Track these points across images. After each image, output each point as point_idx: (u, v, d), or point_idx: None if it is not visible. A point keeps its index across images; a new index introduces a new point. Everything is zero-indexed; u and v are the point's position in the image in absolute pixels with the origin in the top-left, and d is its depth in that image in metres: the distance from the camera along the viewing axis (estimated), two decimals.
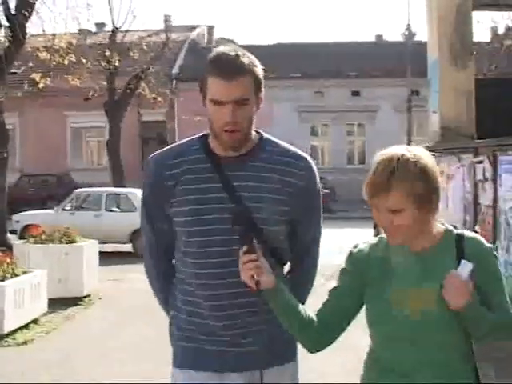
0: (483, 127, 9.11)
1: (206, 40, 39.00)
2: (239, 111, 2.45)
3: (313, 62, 31.59)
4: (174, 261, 2.70)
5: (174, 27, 33.70)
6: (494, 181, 6.67)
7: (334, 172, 30.82)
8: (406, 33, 31.85)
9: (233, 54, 2.46)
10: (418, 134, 26.61)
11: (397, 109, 30.85)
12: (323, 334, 2.39)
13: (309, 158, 2.71)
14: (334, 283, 2.43)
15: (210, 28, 40.47)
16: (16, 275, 8.11)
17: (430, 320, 2.22)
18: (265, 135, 2.66)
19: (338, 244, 10.47)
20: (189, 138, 2.68)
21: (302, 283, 2.71)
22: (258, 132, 2.65)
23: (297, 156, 2.65)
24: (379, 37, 38.79)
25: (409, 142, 22.31)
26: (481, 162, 7.07)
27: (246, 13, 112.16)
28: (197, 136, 2.66)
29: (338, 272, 2.44)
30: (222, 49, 2.52)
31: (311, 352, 2.45)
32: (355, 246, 2.45)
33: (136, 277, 12.27)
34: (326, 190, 28.60)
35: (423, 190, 2.20)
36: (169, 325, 2.70)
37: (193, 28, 37.37)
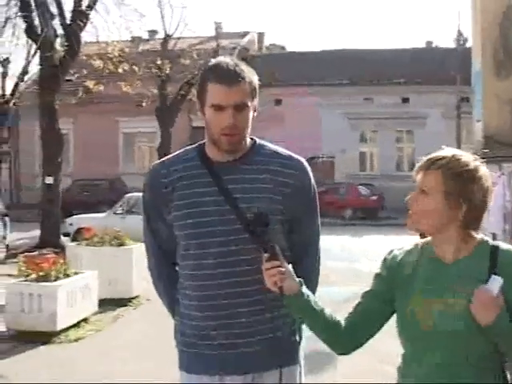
0: None
1: (256, 47, 39.31)
2: (238, 115, 2.54)
3: (362, 69, 31.67)
4: (177, 267, 2.76)
5: (224, 34, 34.19)
6: None
7: (383, 178, 30.84)
8: (457, 39, 31.75)
9: (231, 63, 2.57)
10: (467, 141, 26.43)
11: (446, 116, 30.67)
12: (351, 336, 2.40)
13: (302, 160, 2.76)
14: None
15: (261, 35, 40.82)
16: (68, 276, 8.45)
17: (454, 333, 2.19)
18: (258, 140, 2.74)
19: (380, 251, 10.57)
20: (186, 148, 2.78)
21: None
22: (251, 138, 2.72)
23: (290, 157, 2.72)
24: (429, 43, 38.73)
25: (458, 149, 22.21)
26: None
27: (296, 20, 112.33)
28: (194, 145, 2.76)
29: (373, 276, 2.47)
30: (220, 59, 2.64)
31: (338, 354, 2.51)
32: (390, 252, 2.46)
33: None
34: (374, 197, 28.75)
35: (455, 190, 2.21)
36: (174, 330, 2.75)
37: (243, 35, 37.74)
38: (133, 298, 10.29)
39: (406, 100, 32.38)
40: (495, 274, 2.17)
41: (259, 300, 2.54)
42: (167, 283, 2.76)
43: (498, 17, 10.04)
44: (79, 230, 15.73)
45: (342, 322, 2.39)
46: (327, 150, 32.16)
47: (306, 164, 2.75)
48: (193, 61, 26.50)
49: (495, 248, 2.26)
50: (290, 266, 2.35)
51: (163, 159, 2.79)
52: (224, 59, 2.61)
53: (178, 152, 2.78)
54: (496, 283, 2.13)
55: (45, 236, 15.67)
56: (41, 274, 8.07)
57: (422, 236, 2.43)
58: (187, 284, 2.65)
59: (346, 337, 2.39)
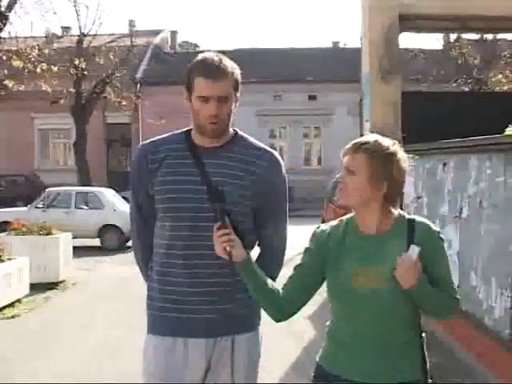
0: (410, 134, 10.49)
1: (169, 44, 39.44)
2: (221, 106, 2.74)
3: (271, 67, 32.85)
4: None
5: (138, 32, 34.33)
6: None
7: (292, 172, 32.11)
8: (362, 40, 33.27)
9: (216, 58, 2.76)
10: None
11: (351, 113, 32.12)
12: (287, 306, 2.61)
13: (274, 153, 2.95)
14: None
15: (174, 33, 40.83)
16: (3, 261, 9.37)
17: (380, 296, 2.40)
18: (239, 132, 2.95)
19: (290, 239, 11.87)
20: (174, 132, 3.00)
21: (268, 267, 2.82)
22: (234, 130, 2.94)
23: (263, 150, 2.92)
24: (336, 43, 39.94)
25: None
26: None
27: (210, 18, 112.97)
28: (181, 130, 2.96)
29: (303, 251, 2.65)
30: (207, 54, 2.82)
31: (276, 321, 2.68)
32: (318, 227, 2.66)
33: (104, 266, 13.71)
34: None
35: (378, 170, 2.43)
36: (146, 296, 2.92)
37: (156, 33, 37.77)
38: (60, 282, 11.27)
39: (313, 97, 33.51)
40: (413, 243, 2.41)
41: (220, 272, 2.74)
42: (148, 252, 2.94)
43: (384, 30, 11.33)
44: (1, 224, 16.37)
45: (281, 293, 2.60)
46: None
47: (278, 157, 2.95)
48: (108, 58, 26.98)
49: (412, 221, 2.51)
50: (237, 238, 2.56)
51: (152, 139, 2.99)
52: (210, 55, 2.80)
53: (166, 134, 3.00)
54: (415, 251, 2.36)
55: None
56: None
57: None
58: (162, 252, 2.84)
59: (283, 305, 2.60)
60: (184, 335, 2.77)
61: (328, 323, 2.62)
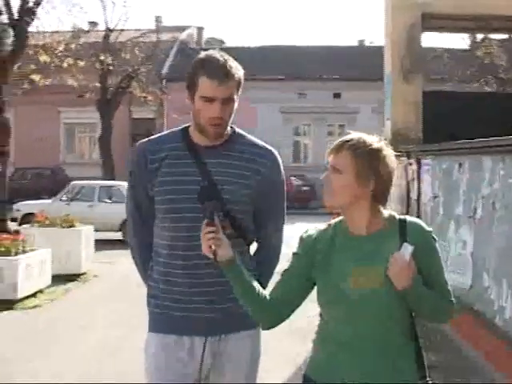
0: (429, 133, 10.53)
1: (195, 41, 39.72)
2: (225, 108, 2.72)
3: (296, 65, 32.91)
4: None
5: (164, 28, 34.70)
6: (418, 180, 8.17)
7: (315, 170, 32.14)
8: None
9: (222, 59, 2.73)
10: None
11: (375, 111, 32.09)
12: (274, 312, 2.50)
13: (274, 151, 2.95)
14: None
15: (200, 29, 41.24)
16: (26, 252, 9.54)
17: (372, 298, 2.32)
18: (237, 130, 2.92)
19: None
20: (172, 129, 2.97)
21: (265, 264, 2.91)
22: (231, 127, 2.89)
23: (264, 148, 2.92)
24: (361, 41, 39.98)
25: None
26: (411, 163, 8.56)
27: (235, 15, 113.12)
28: (179, 128, 2.93)
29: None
30: (211, 53, 2.79)
31: (263, 328, 2.61)
32: (305, 231, 2.56)
33: (125, 260, 13.79)
34: (306, 188, 30.12)
35: (364, 168, 2.35)
36: (147, 294, 2.92)
37: (183, 29, 38.11)
38: (81, 274, 11.48)
39: (337, 95, 33.55)
40: (406, 241, 2.33)
41: (221, 271, 2.62)
42: (147, 253, 2.92)
43: (406, 30, 11.38)
44: (26, 216, 16.67)
45: (268, 298, 2.50)
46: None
47: (277, 155, 2.96)
48: (133, 54, 27.25)
49: (403, 221, 2.43)
50: (224, 238, 2.46)
51: (150, 138, 2.97)
52: (215, 54, 2.77)
53: (164, 133, 3.01)
54: (407, 250, 2.28)
55: None
56: (2, 249, 9.17)
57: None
58: (163, 253, 2.83)
59: (270, 312, 2.50)
60: (186, 333, 2.78)
61: (317, 329, 2.52)
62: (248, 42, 75.81)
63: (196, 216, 2.65)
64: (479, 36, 28.03)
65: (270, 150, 2.93)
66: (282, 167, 2.95)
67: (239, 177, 2.78)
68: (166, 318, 2.81)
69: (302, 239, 2.54)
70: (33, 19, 17.34)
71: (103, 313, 8.84)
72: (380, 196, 2.40)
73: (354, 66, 32.64)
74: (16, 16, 17.12)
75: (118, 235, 16.97)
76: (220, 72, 2.69)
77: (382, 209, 2.43)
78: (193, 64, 2.78)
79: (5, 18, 17.23)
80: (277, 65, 32.99)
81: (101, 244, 14.39)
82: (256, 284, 2.48)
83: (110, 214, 16.80)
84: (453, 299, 2.44)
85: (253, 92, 34.60)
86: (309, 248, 2.48)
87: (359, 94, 32.22)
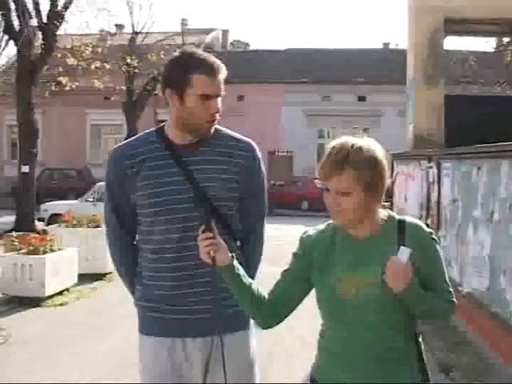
0: (452, 138, 10.61)
1: (220, 43, 39.98)
2: (218, 103, 2.72)
3: (321, 68, 33.08)
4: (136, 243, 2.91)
5: (190, 30, 34.89)
6: (439, 183, 8.26)
7: None
8: None
9: (208, 55, 2.74)
10: None
11: (400, 114, 32.04)
12: (273, 312, 2.49)
13: (252, 143, 2.93)
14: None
15: (225, 32, 41.41)
16: (53, 251, 9.79)
17: (371, 302, 2.28)
18: (215, 126, 2.85)
19: None
20: (146, 131, 2.92)
21: (249, 258, 2.89)
22: None
23: (242, 140, 2.90)
24: (386, 44, 39.99)
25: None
26: (431, 167, 8.66)
27: (260, 18, 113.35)
28: (152, 129, 2.89)
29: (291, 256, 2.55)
30: (193, 50, 2.77)
31: (262, 328, 2.57)
32: (305, 232, 2.54)
33: None
34: None
35: (371, 177, 2.27)
36: (134, 298, 2.92)
37: (208, 32, 38.33)
38: (107, 274, 11.61)
39: (362, 98, 33.65)
40: (403, 245, 2.27)
41: (213, 271, 2.59)
42: (129, 260, 2.89)
43: (429, 35, 11.48)
44: (53, 216, 16.98)
45: (267, 299, 2.49)
46: (287, 145, 33.46)
47: (255, 146, 2.93)
48: (159, 57, 27.48)
49: (402, 222, 2.39)
50: (223, 241, 2.43)
51: (125, 142, 2.92)
52: (196, 51, 2.76)
53: (137, 135, 2.93)
54: (405, 253, 2.23)
55: (21, 220, 16.73)
56: (31, 248, 9.45)
57: None
58: (151, 257, 2.79)
59: (269, 312, 2.49)
60: (180, 335, 2.76)
61: (319, 332, 2.50)
62: (273, 45, 76.22)
63: (185, 216, 2.68)
64: (505, 39, 27.91)
65: (249, 142, 2.92)
66: (261, 159, 2.94)
67: (221, 172, 2.76)
68: (157, 320, 2.80)
69: (301, 239, 2.53)
70: (61, 23, 17.66)
71: (127, 312, 9.01)
72: (381, 197, 2.36)
73: (378, 68, 32.73)
74: (45, 20, 17.50)
75: None
76: (213, 67, 2.69)
77: (381, 210, 2.40)
78: (181, 63, 2.71)
79: (34, 22, 17.61)
80: (302, 67, 33.15)
81: None
82: (254, 285, 2.47)
83: None
84: (454, 300, 2.39)
85: (278, 94, 34.97)
86: (307, 249, 2.47)
87: (384, 96, 32.29)
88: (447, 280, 2.39)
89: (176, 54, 2.79)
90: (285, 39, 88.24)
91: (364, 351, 2.30)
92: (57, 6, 17.57)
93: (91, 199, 17.81)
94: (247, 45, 47.95)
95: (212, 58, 2.72)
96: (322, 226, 2.51)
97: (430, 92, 11.32)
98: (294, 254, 2.52)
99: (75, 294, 10.03)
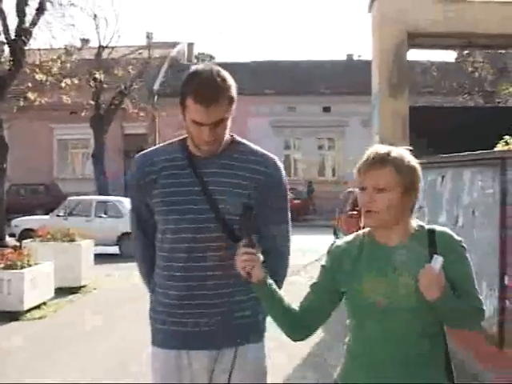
0: (417, 148, 10.96)
1: (186, 56, 40.13)
2: (217, 130, 2.63)
3: (286, 79, 33.38)
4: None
5: (156, 44, 34.95)
6: None
7: (307, 183, 32.48)
8: None
9: (210, 77, 2.60)
10: None
11: (365, 124, 32.41)
12: (304, 325, 2.53)
13: (276, 159, 2.86)
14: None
15: (190, 45, 41.63)
16: (30, 266, 9.91)
17: (403, 309, 2.30)
18: (236, 138, 2.85)
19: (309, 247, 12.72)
20: (170, 141, 2.91)
21: (275, 269, 2.72)
22: (230, 135, 2.82)
23: (265, 156, 2.83)
24: (350, 56, 40.26)
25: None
26: None
27: (225, 30, 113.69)
28: (177, 139, 2.87)
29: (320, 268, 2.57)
30: (200, 68, 2.67)
31: (294, 340, 2.59)
32: (333, 244, 2.56)
33: (123, 273, 14.16)
34: (298, 201, 30.42)
35: (410, 183, 2.32)
36: (149, 308, 2.91)
37: (174, 45, 38.36)
38: (82, 287, 11.84)
39: (327, 109, 33.95)
40: (436, 253, 2.27)
41: (221, 284, 2.66)
42: (150, 264, 2.88)
43: (393, 45, 11.78)
44: (24, 231, 17.02)
45: (297, 312, 2.51)
46: None
47: (278, 163, 2.86)
48: (125, 71, 27.54)
49: (432, 231, 2.40)
50: (261, 257, 2.44)
51: (148, 150, 2.93)
52: (204, 70, 2.65)
53: (162, 144, 2.94)
54: (438, 261, 2.24)
55: None
56: (9, 263, 9.57)
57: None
58: (163, 265, 2.79)
59: (300, 325, 2.52)
60: (187, 347, 2.73)
61: (347, 340, 2.52)
62: (238, 58, 76.72)
63: (197, 227, 2.67)
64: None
65: (272, 158, 2.84)
66: (284, 176, 2.85)
67: (236, 186, 2.71)
68: (168, 332, 2.77)
69: (329, 251, 2.54)
70: (29, 39, 17.72)
71: (106, 320, 9.20)
72: (413, 208, 2.43)
73: (343, 79, 33.04)
74: (13, 36, 17.57)
75: (115, 249, 17.32)
76: (208, 95, 2.57)
77: (410, 219, 2.43)
78: (183, 79, 2.68)
79: (2, 38, 17.69)
80: (267, 79, 33.37)
81: (99, 258, 14.65)
82: (285, 300, 2.50)
83: (107, 229, 17.15)
84: (483, 307, 2.41)
85: (243, 106, 35.02)
86: (336, 261, 2.48)
87: (348, 107, 32.59)
88: (476, 287, 2.40)
89: (191, 68, 2.73)
90: (249, 52, 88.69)
91: (392, 356, 2.33)
92: (24, 21, 17.68)
93: (62, 214, 17.83)
94: (212, 57, 48.08)
95: (209, 81, 2.60)
96: (350, 237, 2.53)
97: (395, 102, 11.61)
98: (322, 267, 2.54)
99: (53, 307, 10.18)
